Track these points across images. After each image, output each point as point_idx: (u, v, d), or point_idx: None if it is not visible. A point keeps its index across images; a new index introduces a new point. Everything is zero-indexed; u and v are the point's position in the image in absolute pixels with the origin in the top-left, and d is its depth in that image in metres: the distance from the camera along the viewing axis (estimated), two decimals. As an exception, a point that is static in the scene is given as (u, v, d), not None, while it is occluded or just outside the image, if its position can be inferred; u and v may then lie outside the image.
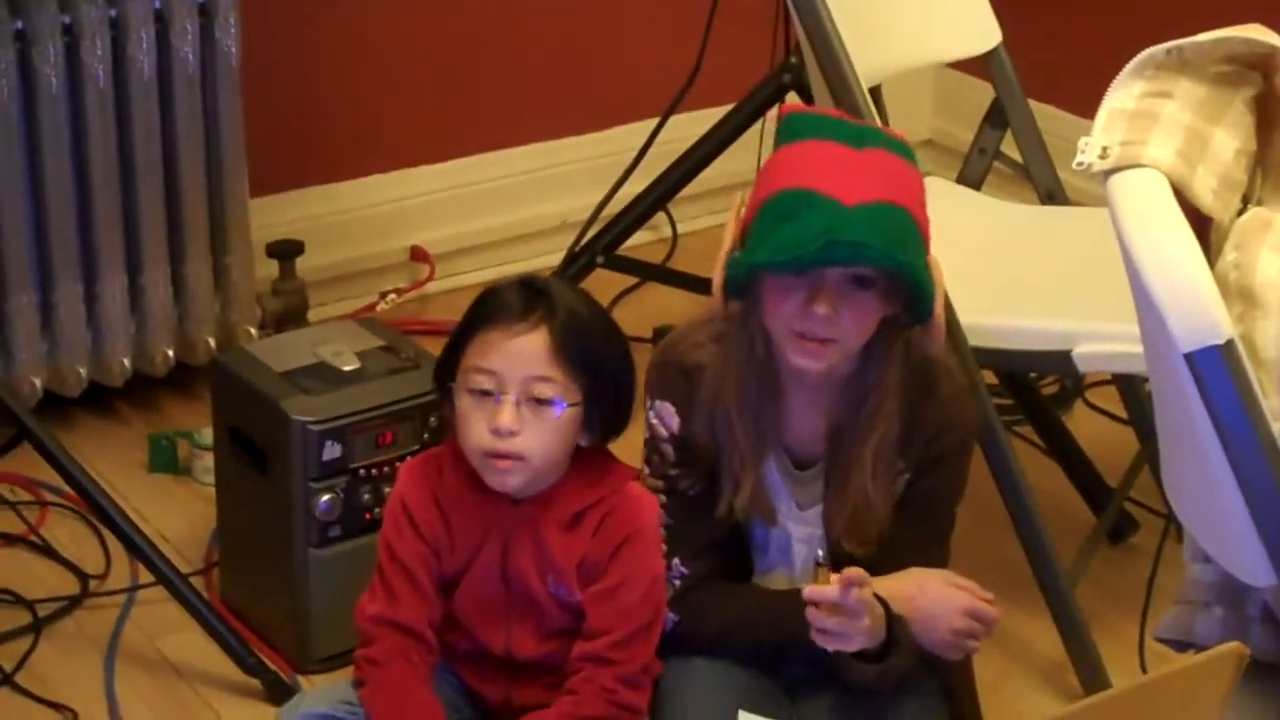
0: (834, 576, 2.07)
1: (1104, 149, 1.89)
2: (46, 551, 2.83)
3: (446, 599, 2.25)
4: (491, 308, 2.16)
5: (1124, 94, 1.94)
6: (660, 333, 3.24)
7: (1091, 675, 2.54)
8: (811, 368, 2.15)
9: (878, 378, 2.19)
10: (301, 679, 2.57)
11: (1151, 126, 1.89)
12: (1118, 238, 1.83)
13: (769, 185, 2.15)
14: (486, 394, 2.14)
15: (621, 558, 2.20)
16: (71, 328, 3.05)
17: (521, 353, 2.13)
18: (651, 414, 2.26)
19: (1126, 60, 1.95)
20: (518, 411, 2.13)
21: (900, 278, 2.11)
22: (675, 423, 2.24)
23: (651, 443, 2.27)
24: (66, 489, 2.76)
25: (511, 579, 2.22)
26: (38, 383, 3.04)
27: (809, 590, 2.08)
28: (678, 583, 2.26)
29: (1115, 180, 1.87)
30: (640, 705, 2.22)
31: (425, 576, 2.22)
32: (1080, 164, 1.90)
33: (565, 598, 2.22)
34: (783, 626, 2.20)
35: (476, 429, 2.14)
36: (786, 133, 2.20)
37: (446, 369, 2.19)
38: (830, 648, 2.09)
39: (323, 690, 2.35)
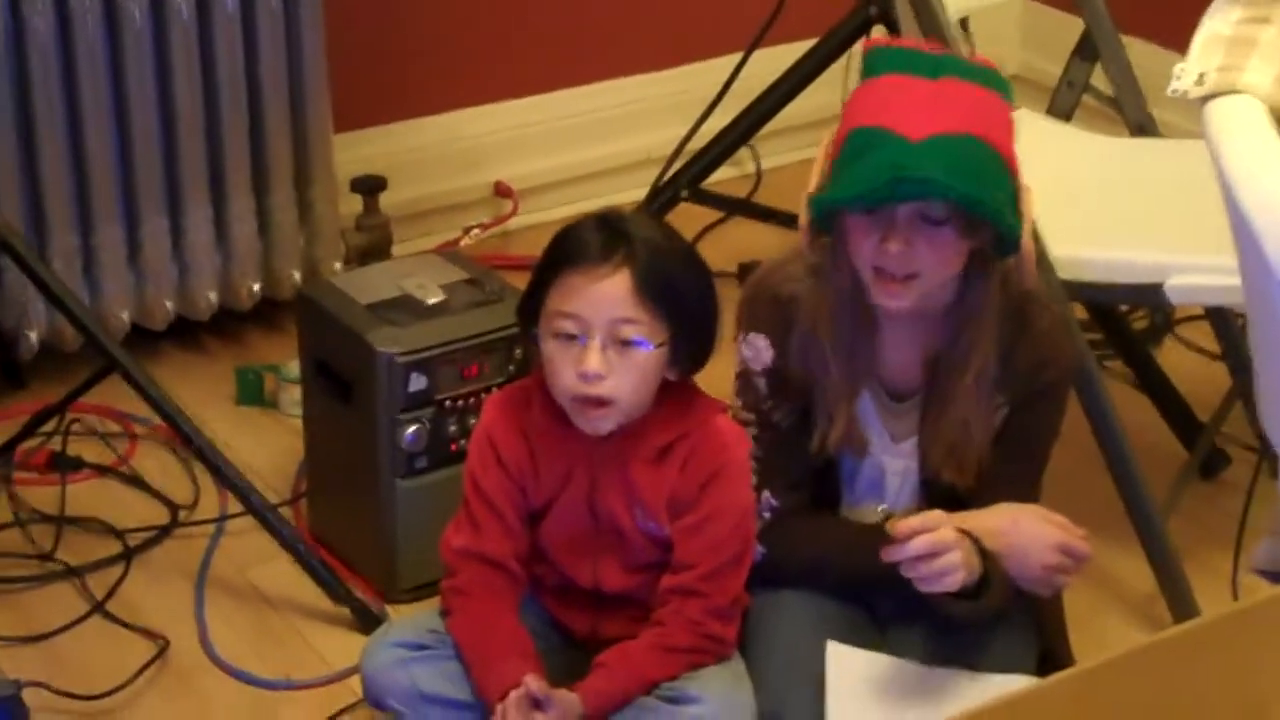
0: (899, 524, 2.06)
1: (1200, 75, 1.86)
2: (136, 482, 2.86)
3: (533, 531, 2.25)
4: (572, 249, 2.15)
5: (1221, 19, 1.91)
6: (745, 268, 3.22)
7: (1183, 609, 2.52)
8: (894, 305, 2.14)
9: (974, 309, 2.18)
10: (389, 608, 2.59)
11: (1249, 52, 1.87)
12: (1213, 165, 1.80)
13: (846, 123, 2.15)
14: (572, 338, 2.13)
15: (710, 491, 2.20)
16: (157, 262, 3.07)
17: (605, 296, 2.12)
18: (744, 346, 2.25)
19: (1217, -8, 1.93)
20: (604, 354, 2.12)
21: (974, 211, 2.09)
22: (769, 355, 2.23)
23: (744, 375, 2.26)
24: (155, 420, 2.78)
25: (599, 513, 2.22)
26: (125, 316, 3.06)
27: (885, 551, 2.07)
28: (767, 515, 2.26)
29: (1211, 106, 1.85)
30: (729, 637, 2.22)
31: (510, 510, 2.23)
32: (1175, 90, 1.88)
33: (654, 532, 2.22)
34: (871, 559, 2.19)
35: (564, 373, 2.14)
36: (867, 69, 2.19)
37: (529, 310, 2.19)
38: (929, 589, 2.07)
39: (410, 619, 2.36)
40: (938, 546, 2.05)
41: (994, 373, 2.19)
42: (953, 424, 2.19)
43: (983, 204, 2.08)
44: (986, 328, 2.18)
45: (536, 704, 2.09)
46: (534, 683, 2.09)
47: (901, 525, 2.06)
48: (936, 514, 2.08)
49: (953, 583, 2.06)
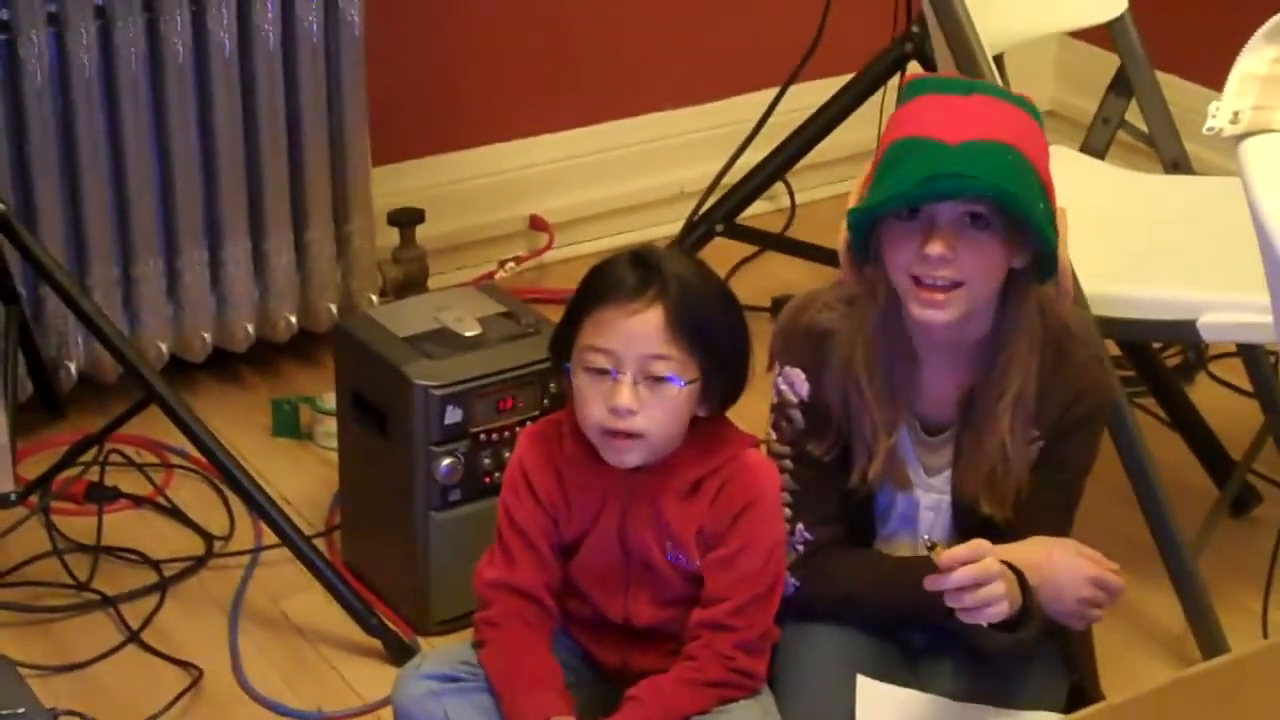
0: (944, 553, 2.06)
1: (1235, 114, 1.87)
2: (172, 513, 2.87)
3: (566, 565, 2.26)
4: (605, 285, 2.16)
5: (1256, 58, 1.92)
6: (779, 303, 3.23)
7: (1213, 646, 2.51)
8: (935, 319, 2.12)
9: (1011, 338, 2.17)
10: (421, 640, 2.59)
11: (1284, 91, 1.87)
12: (1248, 203, 1.81)
13: (882, 145, 2.16)
14: (603, 373, 2.14)
15: (741, 524, 2.20)
16: (196, 294, 3.09)
17: (637, 332, 2.13)
18: (780, 380, 2.25)
19: (1254, 29, 1.93)
20: (635, 390, 2.13)
21: (1014, 214, 2.09)
22: (805, 389, 2.24)
23: (780, 409, 2.26)
24: (192, 451, 2.80)
25: (630, 547, 2.23)
26: (164, 347, 3.09)
27: (929, 580, 2.07)
28: (801, 548, 2.26)
29: (1246, 145, 1.85)
30: (759, 671, 2.22)
31: (543, 542, 2.23)
32: (1211, 129, 1.88)
33: (684, 566, 2.22)
34: (907, 593, 2.19)
35: (594, 407, 2.15)
36: (902, 99, 2.20)
37: (561, 345, 2.20)
38: (977, 621, 2.06)
39: (443, 650, 2.36)
40: (982, 577, 2.04)
41: (1031, 404, 2.19)
42: (989, 454, 2.19)
43: (1020, 201, 2.07)
44: (1024, 355, 2.17)
45: (566, 742, 2.09)
46: None
47: (947, 555, 2.05)
48: (982, 544, 2.07)
49: (997, 614, 2.05)
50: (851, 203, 2.19)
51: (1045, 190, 2.13)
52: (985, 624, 2.06)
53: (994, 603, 2.05)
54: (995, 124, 2.11)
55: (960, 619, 2.07)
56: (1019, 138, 2.11)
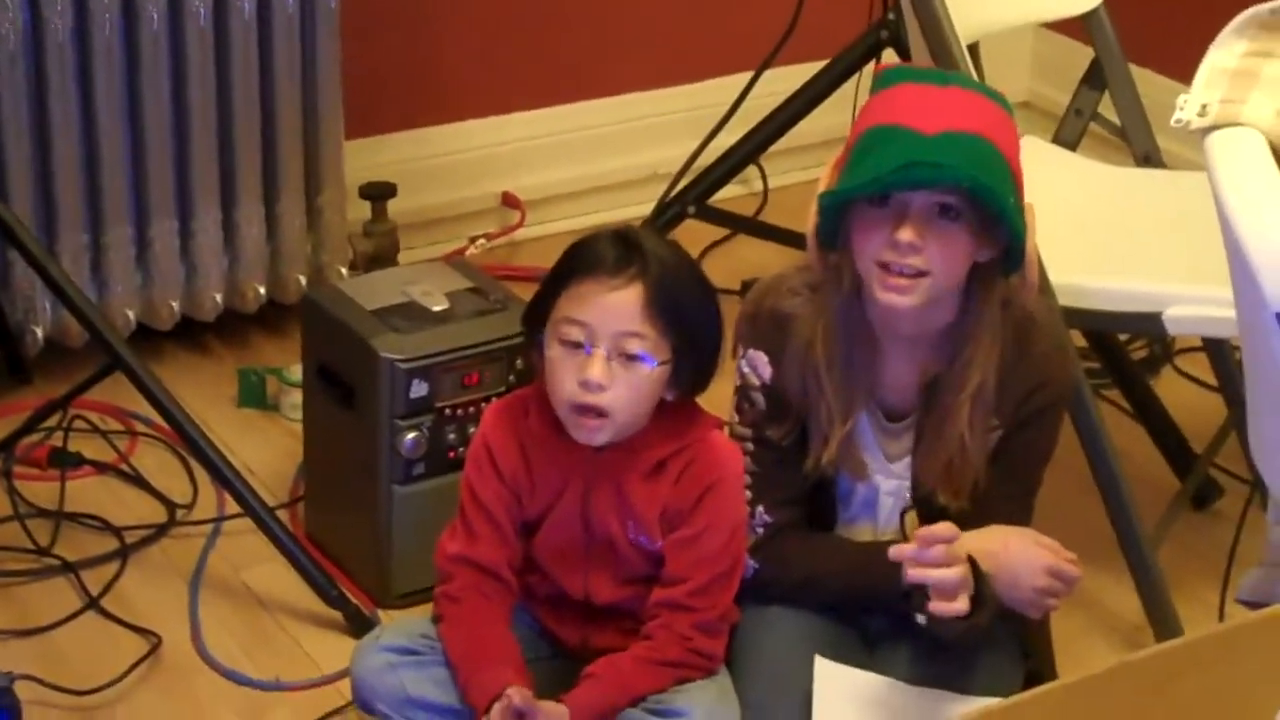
0: (920, 530, 2.07)
1: (1203, 106, 1.88)
2: (135, 480, 2.87)
3: (527, 541, 2.26)
4: (586, 259, 2.16)
5: (1225, 52, 1.93)
6: (748, 286, 3.23)
7: (1170, 637, 2.52)
8: (898, 304, 2.13)
9: (974, 328, 2.18)
10: (381, 613, 2.59)
11: (1252, 85, 1.88)
12: (1213, 195, 1.82)
13: (855, 132, 2.16)
14: (577, 346, 2.14)
15: (704, 506, 2.21)
16: (165, 262, 3.08)
17: (615, 307, 2.13)
18: (744, 363, 2.26)
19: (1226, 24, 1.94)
20: (608, 366, 2.14)
21: (986, 207, 2.09)
22: (768, 372, 2.24)
23: (743, 391, 2.27)
24: (157, 419, 2.79)
25: (592, 525, 2.23)
26: (131, 315, 3.08)
27: (894, 550, 2.08)
28: (760, 530, 2.27)
29: (1213, 138, 1.86)
30: (717, 652, 2.23)
31: (505, 518, 2.24)
32: (1179, 121, 1.89)
33: (646, 545, 2.23)
34: (865, 577, 2.20)
35: (565, 380, 2.15)
36: (876, 86, 2.20)
37: (536, 316, 2.20)
38: (941, 613, 2.06)
39: (402, 624, 2.37)
40: (950, 559, 2.06)
41: (990, 397, 2.20)
42: (948, 444, 2.20)
43: (994, 193, 2.08)
44: (986, 347, 2.18)
45: (519, 715, 2.09)
46: (516, 694, 2.09)
47: (924, 531, 2.06)
48: (953, 527, 2.08)
49: (962, 606, 2.06)
50: (821, 187, 2.19)
51: (1016, 184, 2.14)
52: (951, 615, 2.07)
53: (960, 589, 2.05)
54: (971, 115, 2.11)
55: (933, 609, 2.07)
56: (993, 130, 2.12)
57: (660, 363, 2.15)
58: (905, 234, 2.09)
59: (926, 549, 2.05)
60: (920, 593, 2.08)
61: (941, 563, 2.05)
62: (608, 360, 2.14)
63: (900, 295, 2.13)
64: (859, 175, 2.11)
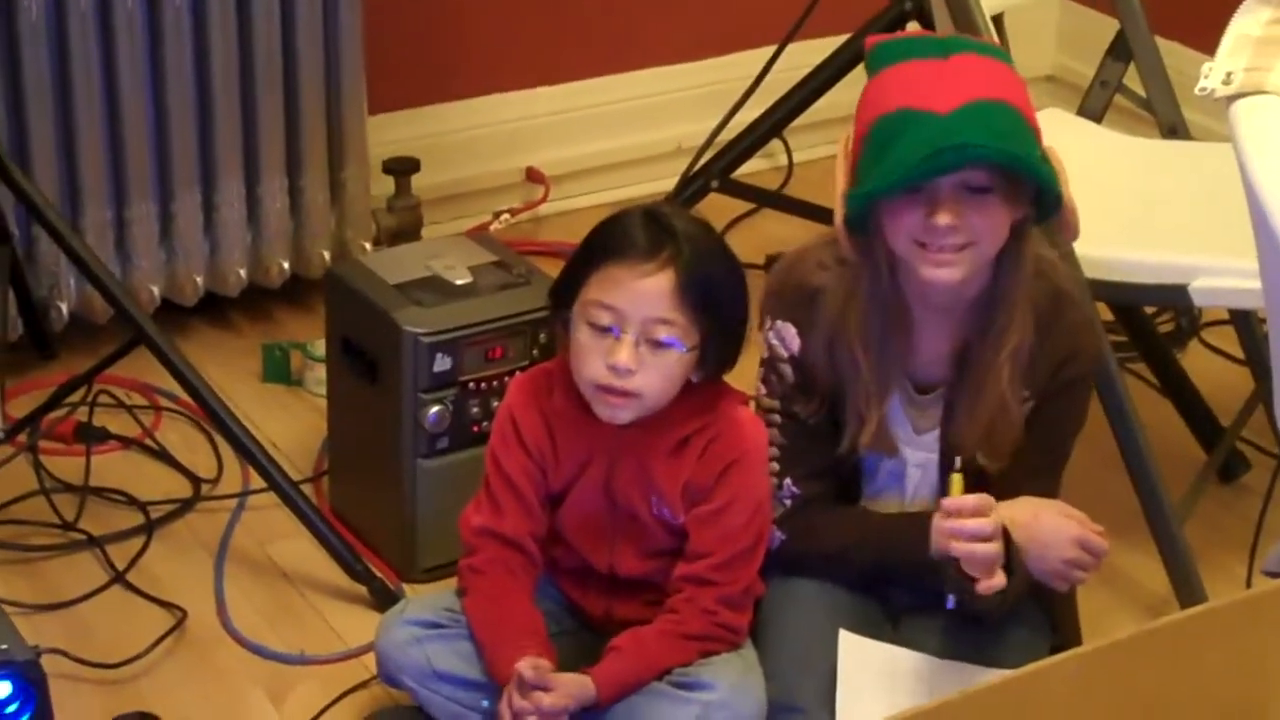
0: (946, 500, 2.07)
1: (1228, 74, 1.86)
2: (160, 455, 2.87)
3: (552, 514, 2.26)
4: (618, 242, 2.15)
5: (1251, 20, 1.91)
6: (773, 260, 3.22)
7: (1196, 612, 2.52)
8: (946, 278, 2.12)
9: (1008, 290, 2.17)
10: (406, 587, 2.59)
11: (1277, 53, 1.86)
12: (1239, 164, 1.80)
13: (866, 117, 2.14)
14: (606, 329, 2.14)
15: (727, 481, 2.21)
16: (189, 237, 3.09)
17: (646, 293, 2.13)
18: (771, 334, 2.25)
19: (1253, -6, 1.93)
20: (636, 351, 2.13)
21: (1015, 172, 2.09)
22: (796, 344, 2.23)
23: (770, 363, 2.26)
24: (181, 394, 2.80)
25: (616, 499, 2.23)
26: (155, 290, 3.08)
27: (947, 501, 2.07)
28: (788, 502, 2.26)
29: (1237, 106, 1.85)
30: (741, 626, 2.23)
31: (530, 490, 2.24)
32: (1203, 89, 1.88)
33: (669, 519, 2.23)
34: (893, 550, 2.20)
35: (593, 362, 2.15)
36: (872, 65, 2.19)
37: (564, 295, 2.19)
38: (985, 590, 2.06)
39: (426, 598, 2.37)
40: (989, 531, 2.06)
41: (1026, 358, 2.19)
42: (989, 405, 2.18)
43: (1023, 161, 2.07)
44: (1022, 309, 2.17)
45: (536, 688, 2.09)
46: (527, 667, 2.10)
47: (948, 502, 2.07)
48: (988, 498, 2.08)
49: (1001, 581, 2.05)
50: (840, 179, 2.18)
51: (1036, 136, 2.13)
52: (990, 590, 2.06)
53: (996, 562, 2.05)
54: (979, 82, 2.10)
55: (950, 581, 2.06)
56: (1006, 91, 2.11)
57: (689, 348, 2.15)
58: (943, 218, 2.08)
59: (965, 525, 2.04)
60: (953, 565, 2.08)
61: (985, 536, 2.05)
62: (636, 345, 2.13)
63: (947, 269, 2.12)
64: (886, 171, 2.09)
